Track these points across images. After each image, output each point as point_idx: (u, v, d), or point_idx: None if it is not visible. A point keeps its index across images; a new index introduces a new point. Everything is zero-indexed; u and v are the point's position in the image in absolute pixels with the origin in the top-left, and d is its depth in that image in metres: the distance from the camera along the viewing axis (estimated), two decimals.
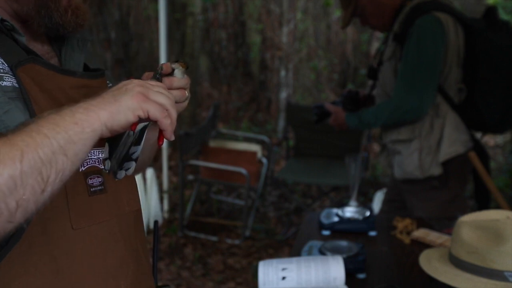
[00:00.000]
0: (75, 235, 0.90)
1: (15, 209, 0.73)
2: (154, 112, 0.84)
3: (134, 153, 0.94)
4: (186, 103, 1.03)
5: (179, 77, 0.97)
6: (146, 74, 1.01)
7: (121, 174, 0.94)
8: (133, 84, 0.85)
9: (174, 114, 0.87)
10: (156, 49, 5.76)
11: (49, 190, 0.76)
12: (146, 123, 0.94)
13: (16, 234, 0.85)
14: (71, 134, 0.77)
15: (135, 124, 0.85)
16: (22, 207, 0.74)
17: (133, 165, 0.94)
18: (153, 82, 0.90)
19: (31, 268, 0.86)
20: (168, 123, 0.86)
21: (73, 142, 0.77)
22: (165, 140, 0.91)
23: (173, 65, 0.96)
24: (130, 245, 1.01)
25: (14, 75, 0.87)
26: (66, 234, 0.89)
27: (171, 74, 0.97)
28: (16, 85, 0.87)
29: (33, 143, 0.74)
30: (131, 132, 0.93)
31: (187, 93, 1.00)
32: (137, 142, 0.93)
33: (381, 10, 2.28)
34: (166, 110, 0.86)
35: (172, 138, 0.88)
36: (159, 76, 0.96)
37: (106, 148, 0.93)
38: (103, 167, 0.95)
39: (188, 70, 1.01)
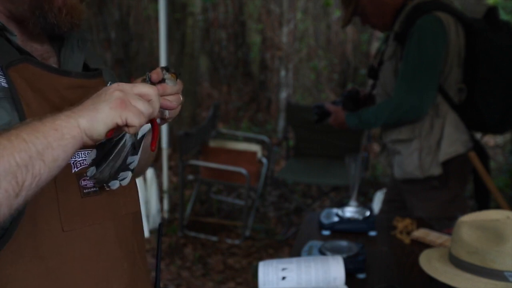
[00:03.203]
0: (66, 237, 0.89)
1: None
2: (133, 120, 0.82)
3: (131, 163, 0.91)
4: (179, 108, 1.00)
5: (171, 85, 0.95)
6: (135, 82, 0.99)
7: (115, 184, 0.91)
8: (113, 89, 0.83)
9: (154, 114, 0.86)
10: (156, 49, 5.75)
11: (24, 194, 0.75)
12: (144, 132, 0.93)
13: (4, 237, 0.84)
14: (50, 140, 0.76)
15: (111, 131, 0.83)
16: None
17: (129, 175, 0.91)
18: (134, 86, 0.87)
19: (19, 271, 0.86)
20: (133, 130, 0.83)
21: (51, 148, 0.76)
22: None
23: (165, 76, 0.95)
24: (126, 247, 0.99)
25: (5, 75, 0.86)
26: (56, 236, 0.88)
27: (162, 81, 0.95)
28: (5, 85, 0.86)
29: (10, 146, 0.73)
30: (127, 141, 0.90)
31: (181, 97, 0.98)
32: (135, 151, 0.91)
33: (382, 9, 2.28)
34: (141, 115, 0.83)
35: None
36: (148, 82, 0.94)
37: (92, 153, 0.89)
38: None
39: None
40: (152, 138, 0.90)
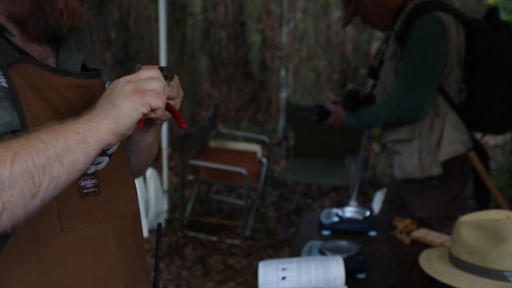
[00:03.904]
0: (65, 237, 0.89)
1: (0, 211, 0.72)
2: (156, 102, 0.84)
3: (109, 149, 0.91)
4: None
5: None
6: None
7: (91, 168, 0.91)
8: (122, 84, 0.85)
9: (167, 94, 0.88)
10: (156, 49, 5.75)
11: (41, 196, 0.75)
12: None
13: (3, 238, 0.84)
14: (70, 142, 0.76)
15: (141, 121, 0.84)
16: (8, 210, 0.73)
17: (105, 160, 0.91)
18: (137, 73, 0.89)
19: (18, 271, 0.86)
20: (162, 109, 0.86)
21: (71, 151, 0.76)
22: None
23: None
24: (125, 248, 1.00)
25: (5, 75, 0.87)
26: (56, 236, 0.89)
27: None
28: (5, 85, 0.86)
29: (28, 147, 0.73)
30: None
31: (172, 102, 0.99)
32: None
33: (382, 9, 2.28)
34: (159, 93, 0.85)
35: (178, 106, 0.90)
36: None
37: None
38: None
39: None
40: (176, 120, 0.92)
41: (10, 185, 0.72)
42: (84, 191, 0.93)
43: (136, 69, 0.95)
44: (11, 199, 0.72)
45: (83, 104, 0.92)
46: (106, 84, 1.04)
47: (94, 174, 0.94)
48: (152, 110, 0.84)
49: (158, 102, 0.84)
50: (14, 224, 0.75)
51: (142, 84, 0.84)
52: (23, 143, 0.73)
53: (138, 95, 0.83)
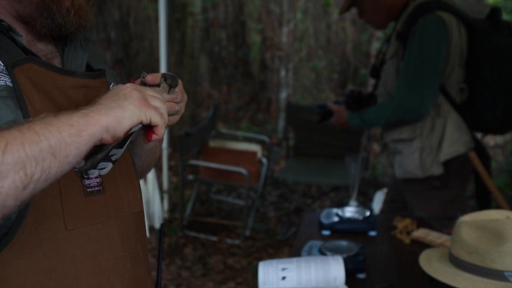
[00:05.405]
0: (69, 235, 0.90)
1: None
2: (156, 118, 0.84)
3: (114, 155, 0.91)
4: (177, 117, 1.02)
5: (162, 92, 0.96)
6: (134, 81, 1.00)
7: (94, 173, 0.91)
8: (130, 89, 0.85)
9: (167, 118, 0.89)
10: (156, 49, 5.75)
11: (32, 187, 0.74)
12: (137, 129, 0.93)
13: (8, 236, 0.84)
14: (64, 135, 0.76)
15: (149, 135, 0.86)
16: None
17: (109, 165, 0.91)
18: (144, 87, 0.90)
19: (21, 268, 0.86)
20: (164, 130, 0.87)
21: (65, 143, 0.76)
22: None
23: (161, 84, 0.96)
24: (129, 247, 1.00)
25: (10, 74, 0.87)
26: (60, 235, 0.89)
27: (158, 85, 0.96)
28: (10, 84, 0.87)
29: (20, 137, 0.72)
30: None
31: (177, 107, 0.99)
32: (120, 145, 0.90)
33: (378, 7, 2.30)
34: (161, 114, 0.86)
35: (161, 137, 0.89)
36: (142, 82, 0.96)
37: None
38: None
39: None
40: (148, 132, 0.91)
41: (1, 175, 0.71)
42: (88, 190, 0.94)
43: (142, 77, 0.95)
44: (1, 189, 0.71)
45: (88, 104, 0.92)
46: (111, 85, 1.05)
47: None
48: (151, 125, 0.85)
49: (158, 120, 0.85)
50: (5, 214, 0.74)
51: (149, 98, 0.86)
52: (15, 134, 0.73)
53: (144, 105, 0.84)
